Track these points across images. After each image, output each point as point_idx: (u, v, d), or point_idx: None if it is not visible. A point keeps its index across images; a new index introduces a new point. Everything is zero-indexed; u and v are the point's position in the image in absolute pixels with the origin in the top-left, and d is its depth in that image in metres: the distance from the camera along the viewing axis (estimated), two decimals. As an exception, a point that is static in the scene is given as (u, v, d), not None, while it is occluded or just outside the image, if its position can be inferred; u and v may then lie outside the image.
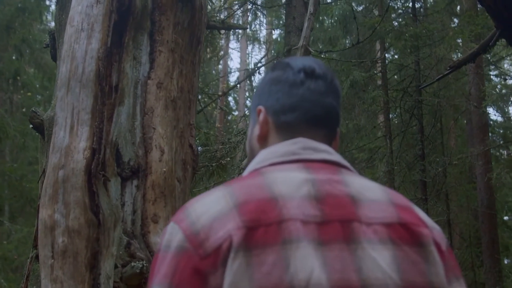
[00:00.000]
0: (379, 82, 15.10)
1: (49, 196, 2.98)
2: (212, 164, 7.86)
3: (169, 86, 3.36)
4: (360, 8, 15.78)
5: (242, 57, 26.88)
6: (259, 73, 10.88)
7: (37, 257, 3.05)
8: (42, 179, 3.15)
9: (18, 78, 15.23)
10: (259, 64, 11.24)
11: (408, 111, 13.96)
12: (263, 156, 1.46)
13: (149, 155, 3.20)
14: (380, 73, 14.81)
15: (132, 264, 2.98)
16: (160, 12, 3.48)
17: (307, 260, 1.22)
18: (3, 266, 12.39)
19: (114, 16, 3.28)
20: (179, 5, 3.54)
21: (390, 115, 14.77)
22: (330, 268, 1.23)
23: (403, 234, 1.33)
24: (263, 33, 29.09)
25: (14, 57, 15.57)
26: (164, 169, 3.19)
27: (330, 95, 1.51)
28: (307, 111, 1.48)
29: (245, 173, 1.50)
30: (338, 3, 12.71)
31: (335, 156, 1.46)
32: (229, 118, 25.29)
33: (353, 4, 12.43)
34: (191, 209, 1.32)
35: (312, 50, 5.51)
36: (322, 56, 11.49)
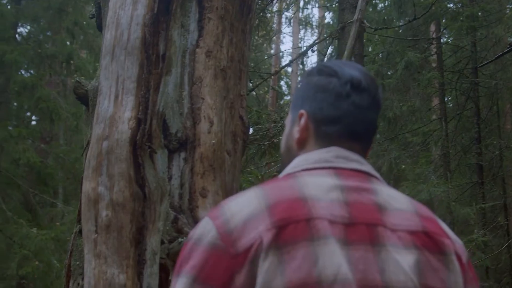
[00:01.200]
0: (434, 65, 14.74)
1: (92, 168, 2.84)
2: (264, 142, 7.70)
3: (219, 55, 3.18)
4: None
5: (294, 42, 26.58)
6: (312, 51, 10.64)
7: (80, 232, 2.93)
8: (87, 151, 3.02)
9: (72, 62, 15.30)
10: (312, 46, 11.02)
11: (464, 94, 13.67)
12: (298, 162, 1.54)
13: (197, 127, 3.03)
14: (436, 55, 14.46)
15: (180, 240, 2.83)
16: (209, -23, 3.30)
17: (334, 256, 1.28)
18: (56, 247, 12.50)
19: (161, -19, 3.13)
20: (229, -30, 3.36)
21: (446, 98, 14.44)
22: (355, 267, 1.29)
23: (427, 242, 1.39)
24: (315, 17, 28.79)
25: (68, 43, 15.66)
26: (213, 141, 3.02)
27: (372, 110, 1.57)
28: (348, 125, 1.54)
29: (280, 176, 1.57)
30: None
31: (366, 167, 1.52)
32: (281, 102, 25.12)
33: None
34: (226, 208, 1.40)
35: (367, 25, 5.30)
36: (377, 35, 11.18)
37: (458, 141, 13.85)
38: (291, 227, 1.30)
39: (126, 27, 3.02)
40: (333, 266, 1.28)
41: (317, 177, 1.44)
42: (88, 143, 3.05)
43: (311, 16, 29.29)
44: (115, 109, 2.89)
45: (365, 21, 4.99)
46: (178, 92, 3.07)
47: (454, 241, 1.45)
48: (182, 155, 3.01)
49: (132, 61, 2.96)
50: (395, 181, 15.09)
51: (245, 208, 1.36)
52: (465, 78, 13.17)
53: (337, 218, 1.34)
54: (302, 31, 28.50)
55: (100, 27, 3.51)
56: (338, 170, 1.47)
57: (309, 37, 32.12)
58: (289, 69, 25.56)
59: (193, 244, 1.39)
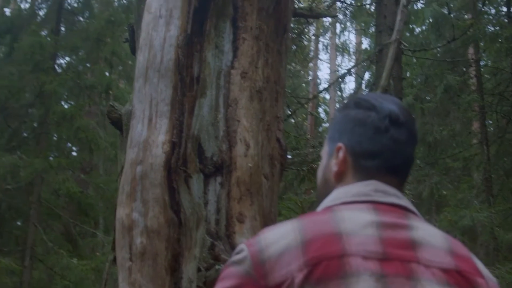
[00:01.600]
0: (473, 88, 14.49)
1: (126, 194, 2.77)
2: (302, 168, 7.57)
3: (254, 76, 3.10)
4: (451, 15, 15.22)
5: (331, 68, 26.48)
6: (350, 75, 10.52)
7: (115, 260, 2.84)
8: (121, 176, 2.95)
9: (110, 92, 15.42)
10: (350, 70, 10.90)
11: (505, 116, 13.38)
12: (337, 195, 1.54)
13: (233, 150, 2.94)
14: (475, 78, 14.22)
15: (217, 267, 2.72)
16: (242, -4, 3.23)
17: None
18: (97, 278, 12.47)
19: (194, 2, 3.07)
20: (263, -11, 3.28)
21: (486, 121, 14.18)
22: None
23: (460, 280, 1.39)
24: (352, 43, 28.69)
25: (107, 73, 15.81)
26: (250, 165, 2.92)
27: (410, 144, 1.58)
28: (387, 160, 1.55)
29: (319, 208, 1.56)
30: (430, 6, 12.20)
31: (404, 201, 1.52)
32: (320, 129, 24.98)
33: (445, 6, 11.88)
34: (262, 237, 1.42)
35: (405, 45, 5.20)
36: (414, 58, 11.02)
37: (500, 165, 13.52)
38: (324, 265, 1.31)
39: (159, 49, 2.96)
40: None
41: (355, 212, 1.45)
42: (123, 168, 2.98)
43: (348, 42, 29.25)
44: (149, 133, 2.82)
45: (402, 42, 4.88)
46: (213, 114, 2.99)
47: (488, 279, 1.46)
48: (218, 179, 2.92)
49: (166, 83, 2.90)
50: (437, 207, 14.82)
51: (281, 240, 1.39)
52: (505, 101, 12.90)
53: (371, 254, 1.35)
54: (339, 58, 28.42)
55: (133, 51, 3.46)
56: (376, 205, 1.48)
57: (346, 64, 31.96)
58: (327, 96, 25.45)
59: (230, 267, 1.44)
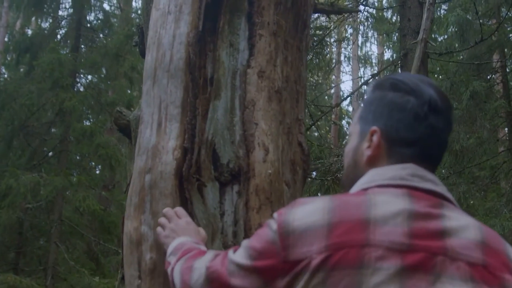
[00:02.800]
0: (498, 95, 14.21)
1: (134, 206, 2.52)
2: (327, 178, 7.31)
3: (272, 75, 2.83)
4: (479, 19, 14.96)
5: (354, 79, 26.24)
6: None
7: (123, 278, 2.59)
8: (129, 188, 2.70)
9: (132, 109, 15.25)
10: (375, 76, 10.67)
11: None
12: (371, 176, 1.52)
13: (251, 155, 2.67)
14: (501, 83, 13.95)
15: (235, 284, 2.46)
16: (258, -10, 2.97)
17: (380, 286, 1.29)
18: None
19: (206, -3, 2.83)
20: (280, -18, 3.02)
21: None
22: None
23: (485, 276, 1.36)
24: (374, 54, 28.41)
25: (128, 91, 15.72)
26: (270, 171, 2.65)
27: (446, 131, 1.56)
28: (423, 148, 1.52)
29: (353, 190, 1.55)
30: (454, 12, 11.92)
31: (441, 188, 1.49)
32: (343, 142, 24.70)
33: (470, 11, 11.60)
34: (293, 210, 1.45)
35: (433, 44, 4.95)
36: (440, 60, 10.74)
37: (529, 173, 13.20)
38: (343, 252, 1.32)
39: (168, 47, 2.72)
40: None
41: (389, 197, 1.42)
42: (131, 179, 2.73)
43: (370, 53, 28.94)
44: (158, 138, 2.57)
45: (429, 41, 4.62)
46: (229, 117, 2.73)
47: None
48: (235, 188, 2.65)
49: (176, 84, 2.65)
50: (466, 216, 14.47)
51: (308, 217, 1.40)
52: (532, 107, 12.62)
53: (396, 245, 1.33)
54: (361, 69, 28.14)
55: (143, 53, 3.22)
56: (411, 191, 1.45)
57: (368, 75, 31.73)
58: (350, 108, 25.18)
59: (265, 227, 1.52)
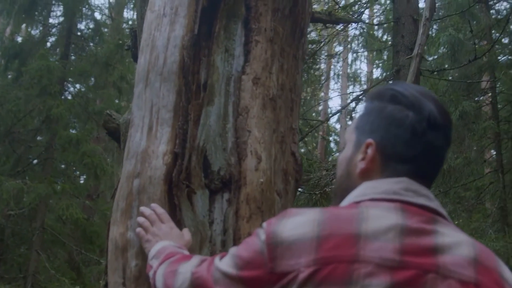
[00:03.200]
0: (486, 117, 14.29)
1: (121, 211, 2.44)
2: (315, 192, 7.25)
3: (268, 82, 2.77)
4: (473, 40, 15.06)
5: (342, 97, 26.30)
6: (363, 99, 10.26)
7: (106, 285, 2.50)
8: (115, 193, 2.62)
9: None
10: (365, 92, 10.68)
11: (520, 145, 13.21)
12: (364, 190, 1.47)
13: (243, 163, 2.59)
14: (490, 104, 14.04)
15: (222, 294, 2.38)
16: (256, -4, 2.90)
17: None
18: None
19: (203, 1, 2.76)
20: (278, -11, 2.96)
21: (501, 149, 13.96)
22: None
23: None
24: (363, 72, 28.49)
25: (116, 100, 15.65)
26: (261, 180, 2.58)
27: (445, 149, 1.52)
28: (419, 167, 1.48)
29: (345, 202, 1.50)
30: (446, 31, 11.97)
31: (434, 203, 1.46)
32: (330, 159, 24.71)
33: (462, 31, 11.65)
34: (283, 220, 1.40)
35: (427, 58, 4.92)
36: (432, 78, 10.76)
37: (516, 194, 13.24)
38: (332, 267, 1.28)
39: (162, 50, 2.65)
40: None
41: (381, 211, 1.38)
42: (118, 184, 2.65)
43: (359, 72, 29.03)
44: (148, 143, 2.50)
45: (424, 56, 4.59)
46: (221, 124, 2.66)
47: None
48: (226, 196, 2.58)
49: (169, 88, 2.58)
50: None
51: (298, 228, 1.36)
52: (521, 129, 12.70)
53: (386, 261, 1.29)
54: (350, 87, 28.20)
55: (135, 57, 3.15)
56: (404, 205, 1.41)
57: (358, 92, 31.82)
58: (337, 126, 25.19)
59: (254, 236, 1.47)
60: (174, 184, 2.43)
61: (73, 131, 15.36)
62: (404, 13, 8.10)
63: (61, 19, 16.30)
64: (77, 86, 16.26)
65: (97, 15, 17.63)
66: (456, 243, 1.39)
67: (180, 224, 2.38)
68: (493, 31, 13.57)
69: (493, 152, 14.51)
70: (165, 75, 2.59)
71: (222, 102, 2.70)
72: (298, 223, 1.37)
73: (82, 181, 17.59)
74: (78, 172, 17.31)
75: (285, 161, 2.78)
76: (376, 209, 1.39)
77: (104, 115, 2.85)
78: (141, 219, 2.31)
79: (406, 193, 1.43)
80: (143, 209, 2.35)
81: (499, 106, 13.61)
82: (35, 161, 15.29)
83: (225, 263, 1.54)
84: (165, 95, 2.56)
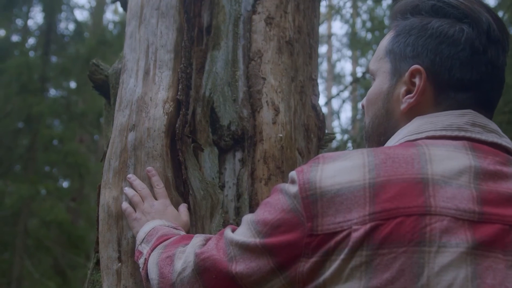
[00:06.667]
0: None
1: (114, 171, 1.98)
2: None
3: (283, 23, 2.33)
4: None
5: (327, 95, 26.12)
6: (346, 99, 9.94)
7: (98, 263, 2.03)
8: (105, 156, 2.16)
9: (101, 120, 14.76)
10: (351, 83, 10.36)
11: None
12: (419, 126, 1.17)
13: (257, 116, 2.16)
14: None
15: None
16: None
17: (448, 269, 0.96)
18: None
19: None
20: None
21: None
22: (480, 282, 0.96)
23: None
24: (347, 71, 28.31)
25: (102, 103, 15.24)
26: (281, 135, 2.14)
27: (504, 66, 1.22)
28: (484, 92, 1.20)
29: (392, 142, 1.20)
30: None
31: (506, 140, 1.17)
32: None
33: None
34: (319, 166, 1.08)
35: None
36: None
37: None
38: (397, 222, 0.98)
39: (159, -19, 2.21)
40: (443, 283, 0.94)
41: (446, 150, 1.09)
42: (108, 145, 2.19)
43: (342, 73, 28.85)
44: (145, 89, 2.05)
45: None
46: (230, 71, 2.23)
47: None
48: (238, 155, 2.15)
49: (167, 25, 2.14)
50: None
51: (343, 175, 1.04)
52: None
53: (464, 213, 0.99)
54: (334, 87, 27.97)
55: (125, 6, 2.70)
56: (474, 144, 1.12)
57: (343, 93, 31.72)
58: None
59: (278, 193, 1.14)
60: (178, 137, 1.99)
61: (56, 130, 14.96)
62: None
63: (41, 17, 15.91)
64: (58, 82, 15.85)
65: (78, 15, 17.21)
66: None
67: (186, 186, 1.95)
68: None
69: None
70: (163, 9, 2.15)
71: (230, 46, 2.27)
72: (341, 169, 1.06)
73: (66, 185, 17.22)
74: (61, 175, 16.91)
75: (306, 115, 2.34)
76: (439, 148, 1.10)
77: (90, 65, 2.39)
78: (130, 192, 1.87)
79: (473, 129, 1.15)
80: (131, 177, 1.90)
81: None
82: (16, 162, 14.86)
83: (241, 233, 1.19)
84: (163, 33, 2.12)
